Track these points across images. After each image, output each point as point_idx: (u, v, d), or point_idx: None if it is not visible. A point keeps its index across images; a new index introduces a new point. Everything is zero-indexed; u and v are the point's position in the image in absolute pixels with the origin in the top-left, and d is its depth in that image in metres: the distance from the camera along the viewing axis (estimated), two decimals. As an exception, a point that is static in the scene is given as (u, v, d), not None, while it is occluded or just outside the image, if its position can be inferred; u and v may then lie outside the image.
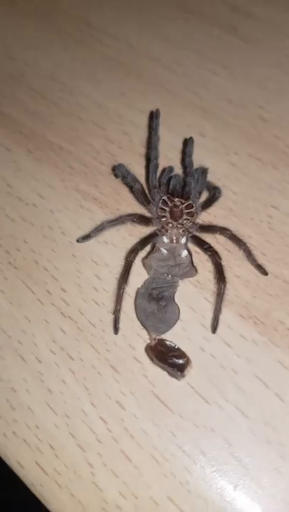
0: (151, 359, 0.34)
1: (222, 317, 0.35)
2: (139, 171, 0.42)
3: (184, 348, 0.34)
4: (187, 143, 0.40)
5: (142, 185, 0.40)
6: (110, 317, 0.36)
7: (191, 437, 0.32)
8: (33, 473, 0.33)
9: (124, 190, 0.42)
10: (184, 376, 0.33)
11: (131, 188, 0.40)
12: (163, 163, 0.41)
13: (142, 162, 0.43)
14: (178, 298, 0.36)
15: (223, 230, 0.38)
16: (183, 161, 0.41)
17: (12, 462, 0.34)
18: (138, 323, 0.36)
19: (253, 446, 0.32)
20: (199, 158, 0.41)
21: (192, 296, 0.37)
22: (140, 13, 0.54)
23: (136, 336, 0.36)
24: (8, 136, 0.46)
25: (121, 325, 0.36)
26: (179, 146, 0.44)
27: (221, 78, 0.48)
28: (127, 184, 0.40)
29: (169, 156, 0.43)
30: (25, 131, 0.46)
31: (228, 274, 0.37)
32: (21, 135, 0.46)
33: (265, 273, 0.37)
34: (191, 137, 0.40)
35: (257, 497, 0.31)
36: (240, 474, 0.31)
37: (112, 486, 0.32)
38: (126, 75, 0.49)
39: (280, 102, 0.47)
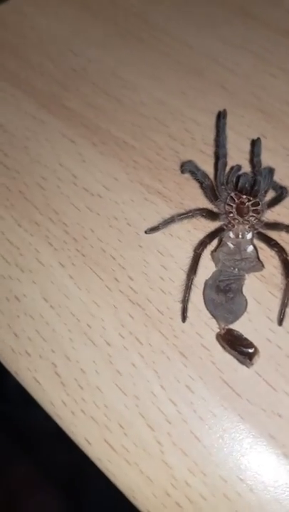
0: (223, 347, 0.36)
1: (288, 310, 0.37)
2: (202, 168, 0.43)
3: (250, 339, 0.36)
4: (255, 143, 0.42)
5: (211, 182, 0.41)
6: (177, 306, 0.38)
7: (258, 421, 0.34)
8: (101, 449, 0.34)
9: (187, 185, 0.43)
10: (252, 364, 0.35)
11: (201, 184, 0.42)
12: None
13: (204, 159, 0.45)
14: (244, 291, 0.38)
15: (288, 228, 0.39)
16: (251, 161, 0.43)
17: (79, 439, 0.35)
18: (205, 312, 0.37)
19: None
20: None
21: (258, 289, 0.38)
22: (199, 13, 0.55)
23: (204, 325, 0.37)
24: (72, 129, 0.47)
25: (188, 314, 0.37)
26: (240, 145, 0.45)
27: (279, 81, 0.50)
28: (197, 180, 0.42)
29: (231, 155, 0.44)
30: (89, 125, 0.47)
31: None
32: (85, 128, 0.47)
33: None
34: (258, 138, 0.42)
35: None
36: (306, 458, 0.33)
37: (181, 463, 0.33)
38: (186, 73, 0.51)
39: None
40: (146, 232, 0.41)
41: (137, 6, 0.57)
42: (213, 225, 0.41)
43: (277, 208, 0.41)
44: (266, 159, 0.43)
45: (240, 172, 0.41)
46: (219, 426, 0.34)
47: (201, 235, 0.40)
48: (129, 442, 0.34)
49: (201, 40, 0.53)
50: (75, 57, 0.53)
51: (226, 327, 0.36)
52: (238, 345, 0.35)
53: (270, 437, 0.33)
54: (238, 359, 0.35)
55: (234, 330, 0.36)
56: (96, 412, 0.35)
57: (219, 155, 0.42)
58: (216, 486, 0.33)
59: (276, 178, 0.42)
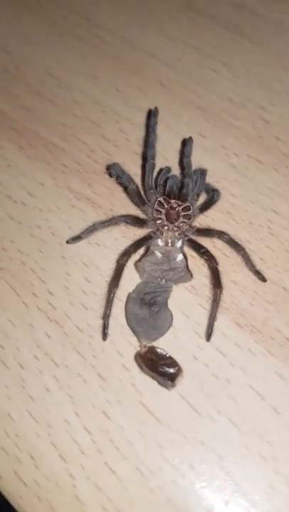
0: (141, 367, 0.33)
1: (217, 324, 0.34)
2: (135, 171, 0.40)
3: (175, 357, 0.33)
4: (186, 143, 0.39)
5: (137, 186, 0.38)
6: (99, 322, 0.35)
7: (179, 450, 0.31)
8: (12, 483, 0.31)
9: (119, 191, 0.40)
10: (174, 386, 0.32)
11: (125, 188, 0.39)
12: (160, 163, 0.40)
13: (139, 161, 0.42)
14: (171, 304, 0.35)
15: (220, 234, 0.36)
16: (181, 162, 0.40)
17: (-12, 472, 0.32)
18: (128, 329, 0.34)
19: (245, 461, 0.30)
20: (198, 158, 0.40)
21: (186, 302, 0.35)
22: (142, 9, 0.53)
23: (125, 343, 0.34)
24: (-1, 132, 0.44)
25: (110, 331, 0.34)
26: (177, 145, 0.43)
27: (222, 77, 0.47)
28: (121, 184, 0.39)
29: (166, 156, 0.41)
30: (17, 127, 0.45)
31: (225, 280, 0.35)
32: (13, 131, 0.44)
33: (263, 279, 0.36)
34: (190, 137, 0.38)
35: (249, 516, 0.29)
36: (231, 490, 0.30)
37: (94, 500, 0.30)
38: (124, 71, 0.48)
39: (283, 103, 0.45)
40: (68, 242, 0.38)
41: (78, 2, 0.54)
42: (142, 231, 0.38)
43: (211, 213, 0.39)
44: (204, 159, 0.41)
45: (169, 174, 0.38)
46: (136, 456, 0.31)
47: (129, 243, 0.36)
48: (41, 475, 0.31)
49: (144, 36, 0.50)
50: (9, 56, 0.50)
51: (148, 345, 0.33)
52: (160, 365, 0.32)
53: (191, 468, 0.30)
54: (158, 381, 0.32)
55: (157, 347, 0.33)
56: (6, 441, 0.32)
57: (147, 156, 0.39)
58: (131, 524, 0.29)
59: (213, 179, 0.39)
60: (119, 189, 0.40)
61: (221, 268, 0.35)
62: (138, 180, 0.40)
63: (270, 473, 0.30)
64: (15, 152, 0.43)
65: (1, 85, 0.48)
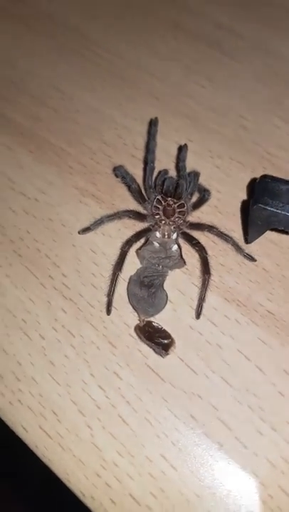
0: (140, 337, 0.38)
1: (209, 300, 0.39)
2: (132, 171, 0.45)
3: (174, 327, 0.39)
4: (181, 149, 0.45)
5: (138, 185, 0.44)
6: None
7: (181, 403, 0.36)
8: (37, 436, 0.36)
9: (119, 188, 0.46)
10: (168, 354, 0.38)
11: (129, 187, 0.44)
12: (155, 165, 0.45)
13: (135, 163, 0.48)
14: (169, 283, 0.41)
15: (210, 228, 0.42)
16: (177, 165, 0.46)
17: (17, 427, 0.37)
18: (131, 305, 0.40)
19: (236, 411, 0.36)
20: (187, 160, 0.45)
21: (182, 281, 0.41)
22: (133, 29, 0.58)
23: (131, 316, 0.40)
24: (10, 137, 0.50)
25: (117, 306, 0.40)
26: (169, 149, 0.48)
27: (205, 90, 0.53)
28: (125, 183, 0.45)
29: (159, 159, 0.47)
30: (26, 134, 0.50)
31: (214, 263, 0.41)
32: (23, 137, 0.50)
33: (253, 259, 0.41)
34: (185, 144, 0.45)
35: (240, 455, 0.35)
36: (225, 435, 0.35)
37: (110, 446, 0.35)
38: (120, 84, 0.53)
39: (260, 112, 0.51)
40: (79, 233, 0.43)
41: (75, 21, 0.59)
42: (142, 224, 0.43)
43: (201, 207, 0.44)
44: (192, 161, 0.47)
45: (166, 176, 0.44)
46: (144, 409, 0.36)
47: (130, 233, 0.42)
48: (63, 428, 0.36)
49: (135, 53, 0.56)
50: (13, 69, 0.55)
51: (146, 319, 0.39)
52: (156, 337, 0.38)
53: (191, 417, 0.36)
54: (154, 349, 0.38)
55: (153, 321, 0.39)
56: (31, 400, 0.37)
57: (148, 160, 0.45)
58: (142, 465, 0.35)
59: (201, 178, 0.45)
60: (120, 186, 0.46)
61: (210, 253, 0.41)
62: (137, 180, 0.45)
63: (257, 421, 0.36)
64: (26, 156, 0.48)
65: (9, 96, 0.53)
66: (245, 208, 0.43)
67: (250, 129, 0.50)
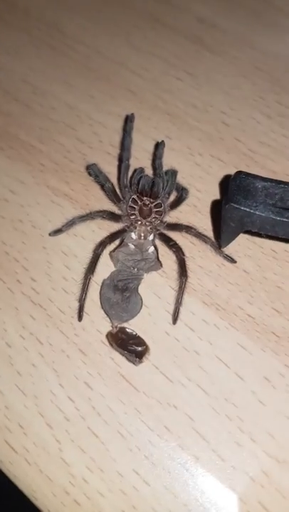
0: (111, 345, 0.36)
1: (186, 304, 0.37)
2: (107, 169, 0.44)
3: (149, 332, 0.37)
4: (158, 146, 0.43)
5: (112, 184, 0.42)
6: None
7: (155, 414, 0.34)
8: (2, 450, 0.34)
9: (94, 187, 0.44)
10: (141, 362, 0.35)
11: (102, 186, 0.42)
12: (131, 162, 0.43)
13: (111, 160, 0.45)
14: (145, 286, 0.39)
15: (188, 229, 0.40)
16: (153, 163, 0.44)
17: (-19, 442, 0.35)
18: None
19: (214, 421, 0.34)
20: (165, 158, 0.43)
21: (158, 284, 0.39)
22: (110, 21, 0.56)
23: (104, 322, 0.37)
24: (-21, 135, 0.48)
25: (89, 311, 0.38)
26: (146, 146, 0.46)
27: (185, 84, 0.51)
28: (98, 183, 0.42)
29: (136, 156, 0.45)
30: (-3, 131, 0.48)
31: (192, 265, 0.39)
32: (-6, 134, 0.47)
33: (233, 261, 0.39)
34: (162, 141, 0.43)
35: (218, 468, 0.33)
36: (202, 447, 0.33)
37: (79, 461, 0.33)
38: (96, 79, 0.51)
39: (242, 108, 0.49)
40: (50, 235, 0.41)
41: (50, 15, 0.57)
42: (117, 225, 0.41)
43: (180, 206, 0.42)
44: (171, 159, 0.44)
45: (142, 174, 0.42)
46: (116, 420, 0.34)
47: (105, 234, 0.40)
48: (29, 442, 0.34)
49: (112, 47, 0.54)
50: (-14, 65, 0.53)
51: (119, 325, 0.37)
52: (129, 344, 0.36)
53: (166, 429, 0.34)
54: (126, 358, 0.36)
55: (126, 328, 0.37)
56: (-3, 414, 0.35)
57: (122, 158, 0.42)
58: (113, 481, 0.33)
59: (180, 176, 0.43)
60: (94, 185, 0.44)
61: (188, 255, 0.39)
62: (113, 178, 0.43)
63: (236, 431, 0.34)
64: (-4, 153, 0.46)
65: (-20, 92, 0.51)
66: (218, 209, 0.41)
67: (231, 125, 0.48)
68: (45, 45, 0.55)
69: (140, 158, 0.46)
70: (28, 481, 0.33)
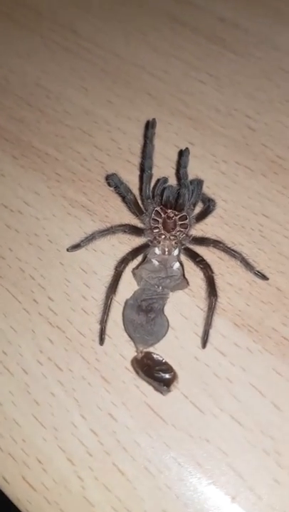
0: (137, 372, 0.33)
1: (216, 325, 0.35)
2: (127, 178, 0.41)
3: (177, 357, 0.34)
4: (182, 154, 0.39)
5: (134, 196, 0.39)
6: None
7: (185, 448, 0.31)
8: (20, 488, 0.32)
9: (113, 197, 0.41)
10: (169, 391, 0.33)
11: (123, 198, 0.39)
12: (153, 171, 0.41)
13: (131, 169, 0.43)
14: (171, 306, 0.36)
15: (216, 243, 0.37)
16: (177, 172, 0.41)
17: (-3, 478, 0.32)
18: (128, 333, 0.35)
19: (249, 456, 0.31)
20: (189, 166, 0.40)
21: (185, 304, 0.36)
22: (127, 22, 0.54)
23: (127, 346, 0.35)
24: (-9, 142, 0.45)
25: (112, 334, 0.35)
26: (168, 153, 0.44)
27: (208, 87, 0.48)
28: (119, 194, 0.40)
29: (157, 164, 0.42)
30: (10, 138, 0.45)
31: (221, 283, 0.36)
32: (6, 141, 0.45)
33: (265, 278, 0.37)
34: (187, 148, 0.39)
35: (255, 508, 0.30)
36: (237, 485, 0.30)
37: (104, 500, 0.31)
38: (113, 82, 0.49)
39: (268, 111, 0.47)
40: (68, 250, 0.38)
41: (63, 16, 0.55)
42: (139, 239, 0.39)
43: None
44: (194, 167, 0.42)
45: (166, 185, 0.39)
46: (144, 456, 0.31)
47: (126, 249, 0.38)
48: (49, 479, 0.31)
49: (130, 49, 0.51)
50: (-3, 68, 0.50)
51: (144, 350, 0.34)
52: (156, 370, 0.33)
53: (198, 465, 0.31)
54: (153, 386, 0.33)
55: (153, 353, 0.34)
56: (13, 447, 0.33)
57: (145, 167, 0.39)
58: (142, 522, 0.30)
59: (204, 185, 0.40)
60: (114, 196, 0.41)
61: (216, 272, 0.36)
62: (134, 188, 0.41)
63: (274, 467, 0.31)
64: (9, 162, 0.43)
65: (-9, 97, 0.48)
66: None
67: (258, 130, 0.45)
68: (59, 47, 0.52)
69: (161, 167, 0.43)
70: (48, 521, 0.31)
